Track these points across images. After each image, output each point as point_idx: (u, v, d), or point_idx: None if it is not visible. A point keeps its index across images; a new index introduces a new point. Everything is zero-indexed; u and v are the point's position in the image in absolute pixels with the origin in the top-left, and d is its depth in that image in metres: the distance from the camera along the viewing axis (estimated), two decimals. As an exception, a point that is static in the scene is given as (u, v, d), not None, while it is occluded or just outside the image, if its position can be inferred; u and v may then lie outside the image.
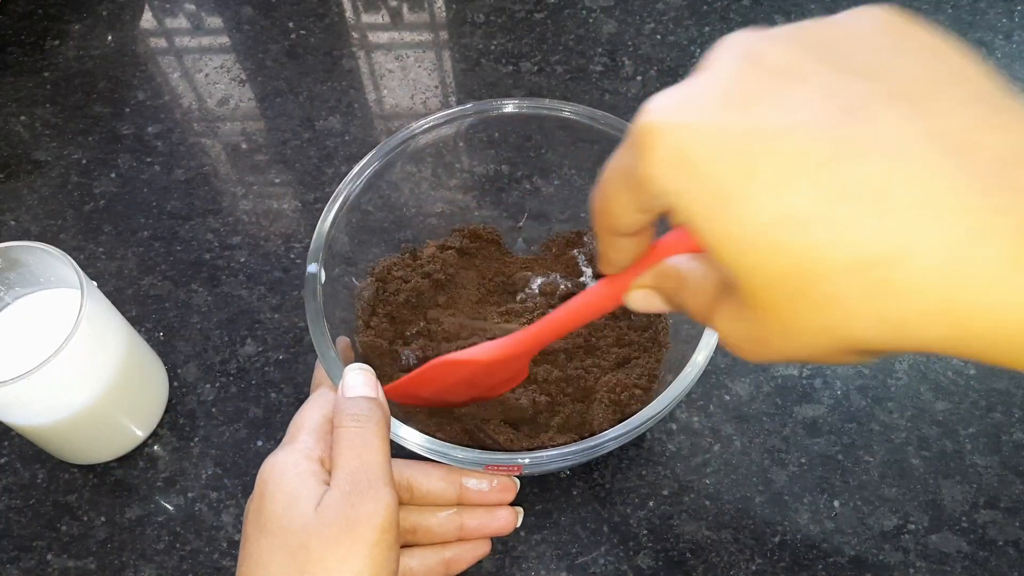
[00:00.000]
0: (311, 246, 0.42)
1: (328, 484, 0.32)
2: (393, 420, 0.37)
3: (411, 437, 0.37)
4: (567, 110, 0.46)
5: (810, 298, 0.19)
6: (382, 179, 0.46)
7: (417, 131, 0.46)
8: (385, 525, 0.31)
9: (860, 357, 0.21)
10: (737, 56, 0.21)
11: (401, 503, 0.34)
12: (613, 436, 0.36)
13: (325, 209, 0.43)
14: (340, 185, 0.44)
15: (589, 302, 0.32)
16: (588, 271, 0.50)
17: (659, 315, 0.47)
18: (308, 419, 0.36)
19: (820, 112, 0.19)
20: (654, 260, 0.28)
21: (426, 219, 0.51)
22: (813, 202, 0.18)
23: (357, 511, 0.31)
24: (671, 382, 0.38)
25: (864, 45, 0.20)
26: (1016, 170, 0.18)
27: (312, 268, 0.41)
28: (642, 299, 0.29)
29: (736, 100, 0.20)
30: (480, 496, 0.39)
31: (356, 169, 0.44)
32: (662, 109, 0.20)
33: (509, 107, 0.46)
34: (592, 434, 0.37)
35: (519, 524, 0.40)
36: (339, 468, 0.32)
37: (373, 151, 0.45)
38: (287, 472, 0.32)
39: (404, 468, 0.38)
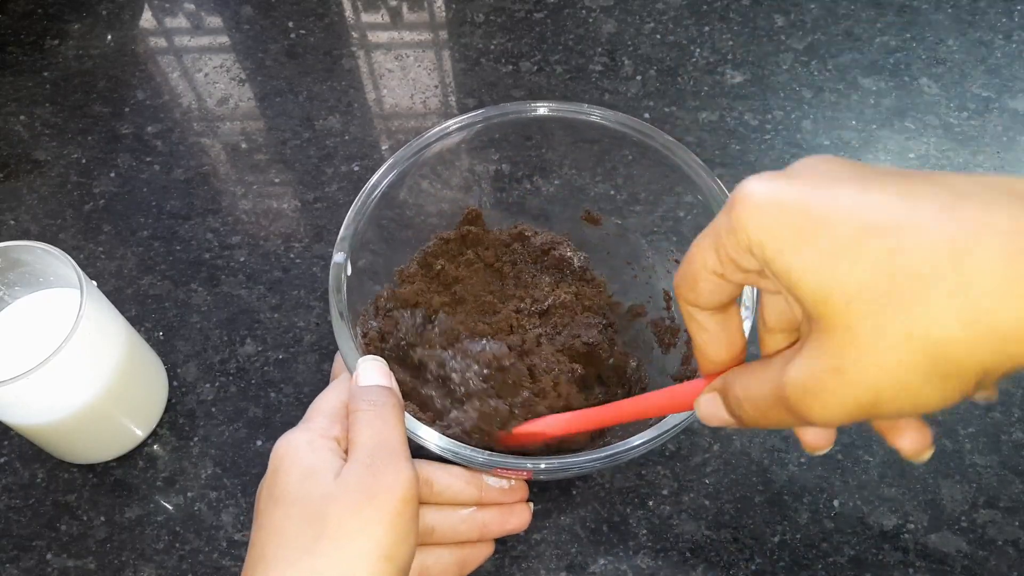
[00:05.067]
0: (339, 235, 0.42)
1: (345, 460, 0.32)
2: (407, 416, 0.37)
3: (427, 436, 0.37)
4: (596, 114, 0.46)
5: (891, 304, 0.21)
6: (404, 180, 0.46)
7: (451, 128, 0.45)
8: (406, 497, 0.31)
9: (955, 384, 0.21)
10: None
11: (421, 501, 0.34)
12: (634, 445, 0.36)
13: (356, 199, 0.43)
14: (372, 178, 0.44)
15: (662, 400, 0.33)
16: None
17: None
18: (325, 403, 0.36)
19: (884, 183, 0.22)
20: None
21: (427, 218, 0.51)
22: (890, 213, 0.21)
23: (379, 481, 0.31)
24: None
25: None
26: None
27: (339, 257, 0.41)
28: (709, 403, 0.28)
29: (813, 180, 0.24)
30: (500, 495, 0.39)
31: (387, 164, 0.44)
32: (756, 178, 0.24)
33: (541, 110, 0.46)
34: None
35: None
36: (358, 444, 0.32)
37: (403, 148, 0.45)
38: (302, 448, 0.33)
39: (424, 465, 0.38)
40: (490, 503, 0.39)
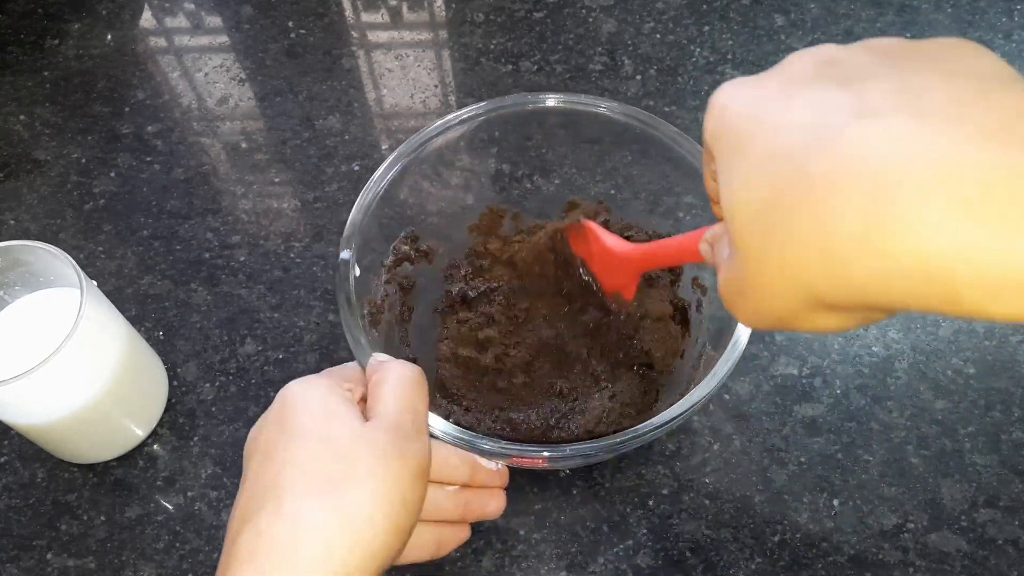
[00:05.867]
0: (344, 233, 0.42)
1: (363, 415, 0.32)
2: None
3: (437, 424, 0.37)
4: (603, 106, 0.46)
5: (771, 236, 0.21)
6: (404, 178, 0.46)
7: (454, 122, 0.46)
8: (426, 467, 0.31)
9: (845, 316, 0.21)
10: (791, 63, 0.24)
11: None
12: (640, 434, 0.36)
13: (359, 196, 0.43)
14: (375, 175, 0.44)
15: (683, 241, 0.35)
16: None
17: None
18: (341, 368, 0.36)
19: (829, 95, 0.21)
20: None
21: (428, 217, 0.51)
22: (792, 136, 0.21)
23: (406, 443, 0.31)
24: (695, 382, 0.38)
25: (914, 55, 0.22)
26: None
27: (345, 255, 0.42)
28: (705, 251, 0.31)
29: (776, 85, 0.23)
30: (489, 477, 0.39)
31: (389, 160, 0.44)
32: (732, 82, 0.25)
33: (550, 101, 0.46)
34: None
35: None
36: (385, 409, 0.32)
37: (404, 144, 0.45)
38: (319, 392, 0.32)
39: None
40: (479, 485, 0.39)
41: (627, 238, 0.48)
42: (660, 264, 0.40)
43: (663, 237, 0.48)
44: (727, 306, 0.25)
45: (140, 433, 0.48)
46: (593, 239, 0.43)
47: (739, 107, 0.23)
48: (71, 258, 0.41)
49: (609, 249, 0.42)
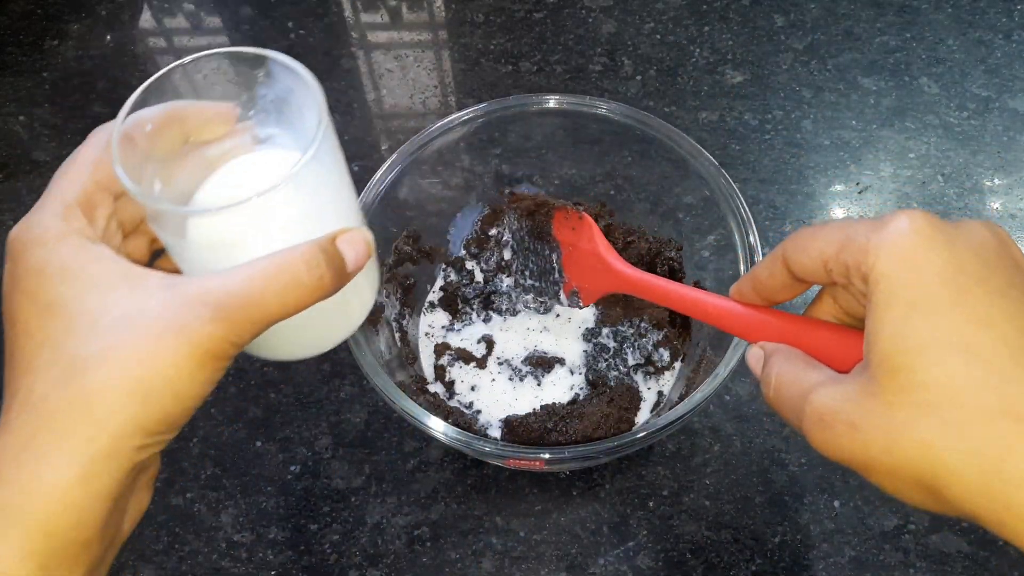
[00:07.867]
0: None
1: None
2: (418, 408, 0.37)
3: (437, 425, 0.37)
4: (603, 107, 0.46)
5: (931, 411, 0.22)
6: (404, 179, 0.46)
7: (454, 123, 0.46)
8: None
9: (934, 502, 0.23)
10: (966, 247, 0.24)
11: None
12: (639, 437, 0.36)
13: (360, 196, 0.43)
14: (376, 175, 0.44)
15: (708, 304, 0.33)
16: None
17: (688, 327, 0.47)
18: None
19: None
20: (788, 336, 0.30)
21: (428, 217, 0.51)
22: (969, 334, 0.22)
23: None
24: (700, 381, 0.38)
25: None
26: None
27: None
28: (756, 357, 0.30)
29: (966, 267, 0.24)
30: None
31: (390, 161, 0.44)
32: (922, 220, 0.24)
33: (550, 102, 0.46)
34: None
35: None
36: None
37: (405, 144, 0.45)
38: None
39: None
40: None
41: (628, 243, 0.48)
42: (647, 296, 0.38)
43: (664, 242, 0.48)
44: (812, 424, 0.25)
45: (356, 319, 0.34)
46: (587, 239, 0.43)
47: (935, 272, 0.23)
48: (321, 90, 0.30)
49: (600, 255, 0.41)
